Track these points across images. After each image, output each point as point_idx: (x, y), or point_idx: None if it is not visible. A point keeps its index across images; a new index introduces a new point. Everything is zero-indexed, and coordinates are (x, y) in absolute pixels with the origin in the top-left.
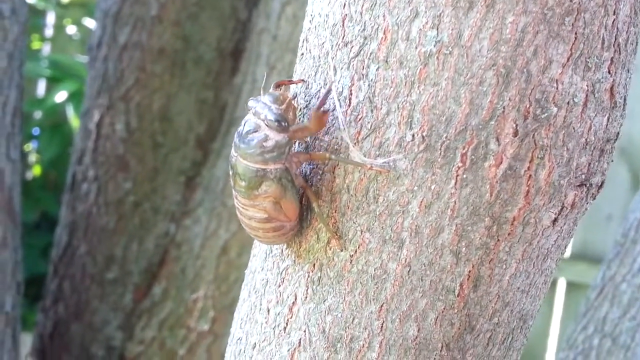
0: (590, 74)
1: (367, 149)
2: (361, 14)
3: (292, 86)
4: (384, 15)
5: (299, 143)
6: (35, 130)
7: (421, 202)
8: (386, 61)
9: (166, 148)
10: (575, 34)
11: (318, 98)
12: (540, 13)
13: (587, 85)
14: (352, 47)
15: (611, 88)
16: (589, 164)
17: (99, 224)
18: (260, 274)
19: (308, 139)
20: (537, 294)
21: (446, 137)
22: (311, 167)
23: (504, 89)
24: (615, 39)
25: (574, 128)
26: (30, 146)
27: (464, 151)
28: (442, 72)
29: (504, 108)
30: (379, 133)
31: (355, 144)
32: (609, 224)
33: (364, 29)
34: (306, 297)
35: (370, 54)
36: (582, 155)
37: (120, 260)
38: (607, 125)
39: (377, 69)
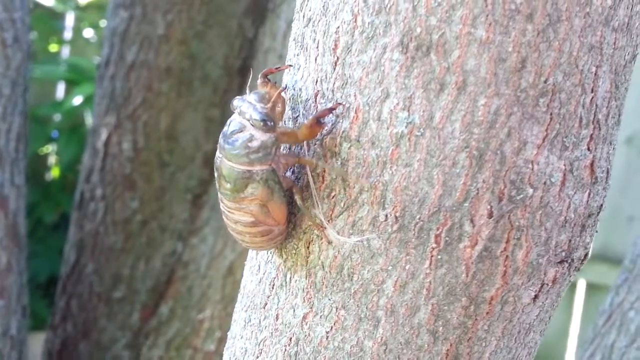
0: (568, 153)
1: (341, 227)
2: (333, 91)
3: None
4: (355, 95)
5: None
6: (54, 133)
7: (396, 281)
8: (358, 140)
9: (173, 166)
10: (551, 114)
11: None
12: (513, 95)
13: (564, 165)
14: (325, 124)
15: (591, 164)
16: (570, 241)
17: (106, 243)
18: (240, 341)
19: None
20: None
21: (419, 218)
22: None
23: (478, 171)
24: (595, 116)
25: (551, 207)
26: (50, 148)
27: (438, 232)
28: (414, 154)
29: (477, 190)
30: (352, 211)
31: (329, 221)
32: (631, 225)
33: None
34: None
35: (343, 132)
36: (562, 233)
37: (128, 279)
38: (588, 201)
39: (349, 147)
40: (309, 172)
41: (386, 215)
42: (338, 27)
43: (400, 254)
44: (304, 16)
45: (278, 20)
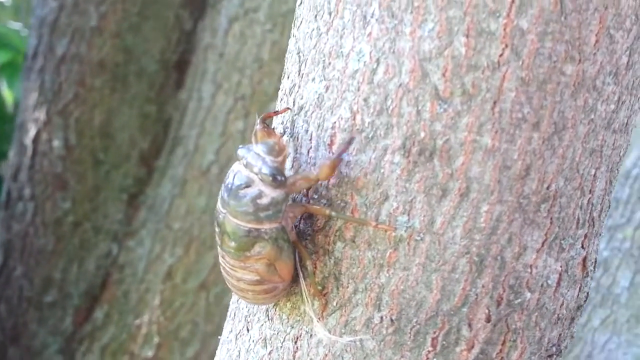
0: (564, 254)
1: (333, 326)
2: (327, 188)
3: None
4: (351, 195)
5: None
6: None
7: None
8: (353, 241)
9: (107, 165)
10: (551, 219)
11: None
12: (515, 202)
13: (560, 266)
14: (317, 219)
15: (584, 260)
16: (560, 335)
17: (36, 245)
18: None
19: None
20: None
21: (416, 322)
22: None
23: (477, 276)
24: (590, 215)
25: (547, 308)
26: None
27: (434, 336)
28: (413, 258)
29: (477, 295)
30: (344, 311)
31: (319, 319)
32: None
33: (330, 204)
34: None
35: (337, 231)
36: (554, 329)
37: (59, 282)
38: (578, 295)
39: (343, 247)
40: (299, 267)
41: (381, 317)
42: (335, 122)
43: (394, 356)
44: (294, 103)
45: (219, 16)
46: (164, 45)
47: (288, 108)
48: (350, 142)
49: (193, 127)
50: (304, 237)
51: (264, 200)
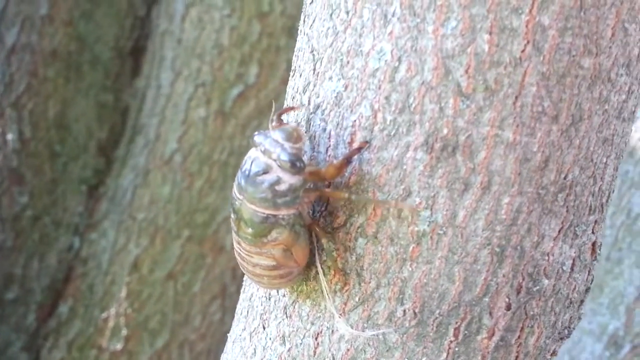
0: (578, 240)
1: (355, 321)
2: (348, 186)
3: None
4: (373, 192)
5: None
6: None
7: None
8: (375, 237)
9: (65, 157)
10: (567, 208)
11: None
12: (534, 193)
13: (574, 252)
14: (337, 217)
15: (593, 245)
16: (571, 317)
17: None
18: None
19: None
20: None
21: (439, 313)
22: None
23: (498, 267)
24: (600, 201)
25: (561, 293)
26: None
27: (456, 326)
28: (436, 251)
29: (497, 284)
30: (367, 306)
31: (341, 314)
32: None
33: (349, 202)
34: None
35: (358, 227)
36: (567, 313)
37: (21, 278)
38: (587, 278)
39: (365, 243)
40: (318, 265)
41: (404, 311)
42: (355, 120)
43: (417, 347)
44: (309, 101)
45: (174, 1)
46: (117, 32)
47: (302, 105)
48: (361, 147)
49: (153, 115)
50: (322, 234)
51: (282, 187)
